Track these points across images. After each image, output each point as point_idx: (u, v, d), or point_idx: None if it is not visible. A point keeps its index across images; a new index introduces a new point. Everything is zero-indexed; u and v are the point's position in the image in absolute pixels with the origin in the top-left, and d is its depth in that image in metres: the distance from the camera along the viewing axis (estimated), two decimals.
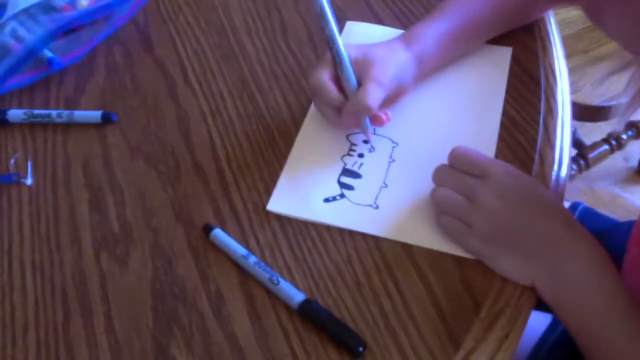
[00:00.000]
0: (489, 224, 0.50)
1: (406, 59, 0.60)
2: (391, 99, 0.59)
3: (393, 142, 0.61)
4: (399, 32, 0.67)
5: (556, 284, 0.49)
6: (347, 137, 0.61)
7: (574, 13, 1.49)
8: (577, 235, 0.50)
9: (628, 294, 0.48)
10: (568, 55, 1.26)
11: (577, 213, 0.81)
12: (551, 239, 0.49)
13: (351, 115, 0.57)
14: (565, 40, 1.25)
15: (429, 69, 0.63)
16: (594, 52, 1.21)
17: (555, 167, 0.58)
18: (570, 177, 1.40)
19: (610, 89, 1.14)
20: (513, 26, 0.68)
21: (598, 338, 0.48)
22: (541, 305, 0.71)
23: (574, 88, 1.14)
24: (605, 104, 1.13)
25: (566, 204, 0.84)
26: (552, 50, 0.68)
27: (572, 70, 1.16)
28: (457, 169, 0.53)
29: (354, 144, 0.61)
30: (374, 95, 0.56)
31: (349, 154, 0.60)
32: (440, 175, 0.54)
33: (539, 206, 0.51)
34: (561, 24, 1.25)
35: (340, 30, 0.71)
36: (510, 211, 0.50)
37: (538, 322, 0.69)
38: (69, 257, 0.55)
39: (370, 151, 0.60)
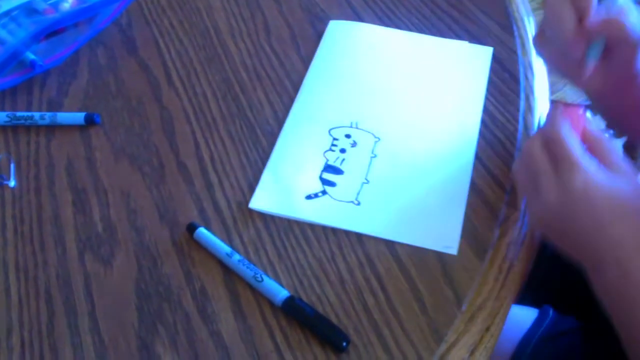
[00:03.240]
0: (556, 209, 0.48)
1: None
2: None
3: (375, 137, 0.61)
4: (384, 29, 0.68)
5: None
6: (329, 131, 0.62)
7: None
8: None
9: None
10: None
11: None
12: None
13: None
14: None
15: None
16: None
17: None
18: None
19: None
20: None
21: None
22: (527, 300, 0.72)
23: (555, 88, 1.15)
24: (586, 103, 1.14)
25: None
26: (530, 49, 0.69)
27: (552, 71, 1.18)
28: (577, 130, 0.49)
29: (336, 139, 0.61)
30: None
31: (331, 150, 0.60)
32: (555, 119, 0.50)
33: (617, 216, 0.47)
34: None
35: (324, 30, 0.72)
36: (583, 212, 0.47)
37: (524, 317, 0.70)
38: (53, 258, 0.55)
39: (352, 146, 0.61)
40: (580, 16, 0.50)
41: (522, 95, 0.64)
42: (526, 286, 0.75)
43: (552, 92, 0.69)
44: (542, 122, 0.62)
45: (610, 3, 0.49)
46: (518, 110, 0.63)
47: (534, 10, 0.76)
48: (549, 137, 0.50)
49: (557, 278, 0.74)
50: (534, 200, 0.50)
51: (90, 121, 0.65)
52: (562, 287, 0.74)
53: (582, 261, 0.49)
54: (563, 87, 1.16)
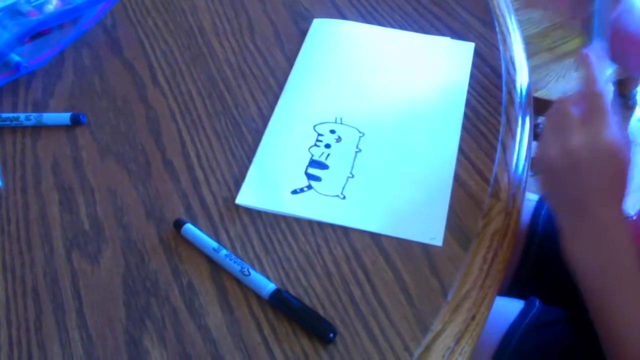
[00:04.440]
0: (582, 153, 0.51)
1: None
2: None
3: (359, 132, 0.62)
4: (367, 26, 0.69)
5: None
6: (314, 127, 0.62)
7: (539, 12, 1.51)
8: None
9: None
10: (534, 53, 1.27)
11: (546, 206, 0.83)
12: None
13: None
14: (530, 39, 1.27)
15: None
16: (559, 50, 1.24)
17: (515, 155, 0.59)
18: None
19: (574, 84, 1.17)
20: None
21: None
22: (514, 293, 0.73)
23: (540, 85, 1.17)
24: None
25: (534, 197, 0.86)
26: (512, 44, 0.70)
27: (537, 68, 1.19)
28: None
29: (321, 135, 0.62)
30: None
31: (315, 145, 0.61)
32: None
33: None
34: (526, 23, 1.29)
35: (307, 28, 0.73)
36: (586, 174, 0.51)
37: (510, 308, 0.70)
38: (40, 256, 0.55)
39: (337, 141, 0.61)
40: None
41: (504, 89, 0.65)
42: (514, 279, 0.76)
43: (535, 89, 0.70)
44: (525, 114, 0.63)
45: None
46: (500, 103, 0.64)
47: (515, 10, 0.77)
48: (589, 91, 0.53)
49: (544, 271, 0.75)
50: (560, 138, 0.52)
51: (76, 121, 0.65)
52: (550, 280, 0.75)
53: (571, 215, 0.52)
54: (547, 85, 1.18)
